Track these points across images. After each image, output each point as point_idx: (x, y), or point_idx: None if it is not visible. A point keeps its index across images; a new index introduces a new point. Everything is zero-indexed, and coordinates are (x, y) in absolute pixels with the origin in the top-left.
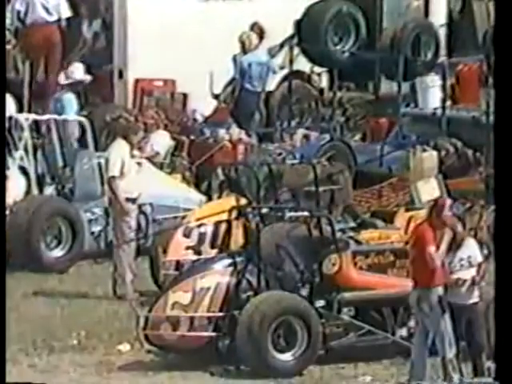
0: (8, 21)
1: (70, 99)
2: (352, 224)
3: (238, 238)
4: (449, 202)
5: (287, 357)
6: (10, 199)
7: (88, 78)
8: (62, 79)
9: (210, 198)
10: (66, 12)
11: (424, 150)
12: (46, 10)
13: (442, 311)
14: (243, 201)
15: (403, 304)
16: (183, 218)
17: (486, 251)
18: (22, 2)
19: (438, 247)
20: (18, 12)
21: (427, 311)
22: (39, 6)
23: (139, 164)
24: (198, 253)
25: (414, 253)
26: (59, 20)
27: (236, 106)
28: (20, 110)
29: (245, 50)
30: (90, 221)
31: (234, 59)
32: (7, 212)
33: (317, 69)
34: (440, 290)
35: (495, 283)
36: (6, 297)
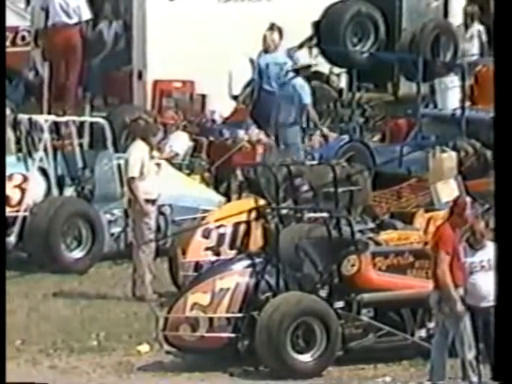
0: (28, 23)
1: (303, 85)
2: (371, 225)
3: (257, 239)
4: (469, 201)
5: (306, 358)
6: (30, 200)
7: (314, 62)
8: (287, 66)
9: (229, 199)
10: (87, 14)
11: (443, 151)
12: (67, 11)
13: (462, 313)
14: (262, 202)
15: (422, 305)
16: (202, 218)
17: None
18: (42, 3)
19: (458, 247)
20: (40, 13)
21: (447, 312)
22: (59, 8)
23: (158, 165)
24: (217, 254)
25: (435, 253)
26: (79, 22)
27: (255, 107)
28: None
29: (267, 50)
30: (109, 222)
31: (253, 60)
32: (27, 213)
33: (336, 69)
34: (460, 292)
35: (495, 283)
36: (5, 297)
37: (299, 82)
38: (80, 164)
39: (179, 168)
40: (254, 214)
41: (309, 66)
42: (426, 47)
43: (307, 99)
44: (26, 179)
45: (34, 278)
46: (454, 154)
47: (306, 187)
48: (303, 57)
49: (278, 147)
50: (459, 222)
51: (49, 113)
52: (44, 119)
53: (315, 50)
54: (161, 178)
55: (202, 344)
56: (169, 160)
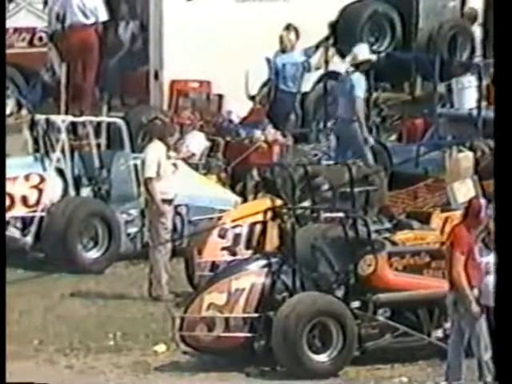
0: (45, 23)
1: (359, 79)
2: (387, 225)
3: (273, 239)
4: (484, 202)
5: (322, 358)
6: (47, 201)
7: (373, 57)
8: (348, 59)
9: (245, 199)
10: (104, 15)
11: (460, 151)
12: (85, 12)
13: (478, 313)
14: (278, 202)
15: (439, 305)
16: (219, 219)
17: None
18: (60, 4)
19: (473, 248)
20: (57, 14)
21: (463, 313)
22: (77, 8)
23: (175, 165)
24: (234, 254)
25: (450, 254)
26: (96, 23)
27: (271, 107)
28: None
29: (284, 50)
30: (126, 222)
31: (269, 60)
32: (44, 213)
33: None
34: (476, 292)
35: (495, 283)
36: (5, 297)
37: (356, 76)
38: (97, 164)
39: (196, 168)
40: (270, 214)
41: (368, 61)
42: (443, 47)
43: (359, 92)
44: (43, 179)
45: (51, 278)
46: (470, 153)
47: (326, 186)
48: (363, 53)
49: (338, 142)
50: (474, 222)
51: (66, 113)
52: (61, 119)
53: (332, 50)
54: (177, 178)
55: (219, 344)
56: (185, 160)
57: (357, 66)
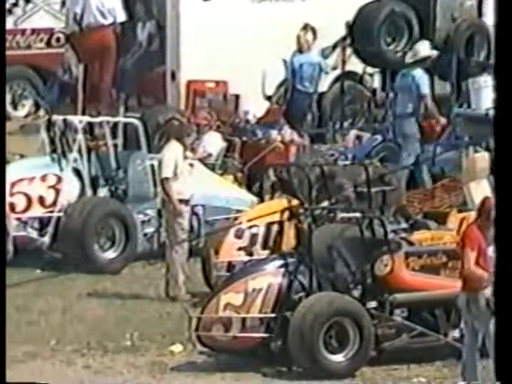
0: (63, 24)
1: (423, 76)
2: (404, 225)
3: (289, 239)
4: None
5: (339, 358)
6: (64, 201)
7: (434, 53)
8: (407, 57)
9: (261, 199)
10: (122, 16)
11: (476, 151)
12: (103, 13)
13: (490, 313)
14: (295, 202)
15: (456, 305)
16: (235, 219)
17: None
18: (77, 5)
19: (486, 248)
20: (75, 15)
21: (476, 313)
22: (95, 9)
23: (191, 165)
24: (250, 254)
25: (462, 253)
26: (114, 23)
27: (288, 107)
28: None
29: (300, 51)
30: (142, 222)
31: (286, 60)
32: (61, 214)
33: (369, 69)
34: (488, 292)
35: (495, 283)
36: (5, 297)
37: (419, 72)
38: (114, 164)
39: (212, 168)
40: (286, 214)
41: (428, 57)
42: (460, 47)
43: (426, 90)
44: (60, 180)
45: (68, 278)
46: (486, 154)
47: (350, 187)
48: (424, 49)
49: (395, 138)
50: (486, 223)
51: (83, 114)
52: (78, 120)
53: (349, 50)
54: (194, 179)
55: (235, 344)
56: (202, 160)
57: (416, 62)
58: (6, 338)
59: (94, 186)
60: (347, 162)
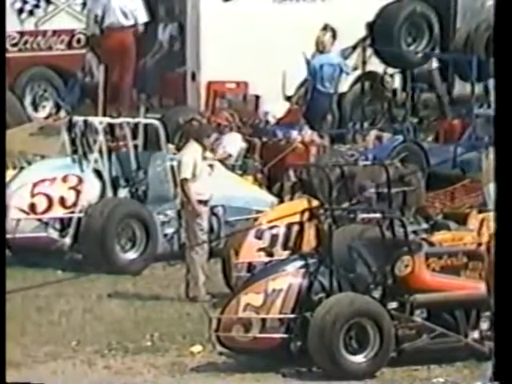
0: (83, 25)
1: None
2: (425, 225)
3: (310, 240)
4: None
5: (359, 359)
6: (84, 202)
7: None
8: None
9: (281, 200)
10: (143, 17)
11: None
12: (124, 14)
13: None
14: (315, 202)
15: (476, 306)
16: (255, 219)
17: None
18: (100, 6)
19: None
20: (96, 16)
21: None
22: (117, 10)
23: (211, 166)
24: (270, 254)
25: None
26: (135, 24)
27: (308, 108)
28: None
29: (321, 51)
30: (162, 223)
31: (307, 61)
32: (82, 214)
33: (390, 70)
34: None
35: (495, 282)
36: (5, 297)
37: None
38: (134, 165)
39: (232, 169)
40: (307, 215)
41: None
42: (481, 47)
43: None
44: (80, 181)
45: (88, 279)
46: None
47: (370, 188)
48: None
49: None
50: None
51: (104, 115)
52: (99, 121)
53: (369, 51)
54: (214, 179)
55: (255, 345)
56: (222, 161)
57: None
58: (5, 338)
59: (115, 186)
60: (367, 163)
